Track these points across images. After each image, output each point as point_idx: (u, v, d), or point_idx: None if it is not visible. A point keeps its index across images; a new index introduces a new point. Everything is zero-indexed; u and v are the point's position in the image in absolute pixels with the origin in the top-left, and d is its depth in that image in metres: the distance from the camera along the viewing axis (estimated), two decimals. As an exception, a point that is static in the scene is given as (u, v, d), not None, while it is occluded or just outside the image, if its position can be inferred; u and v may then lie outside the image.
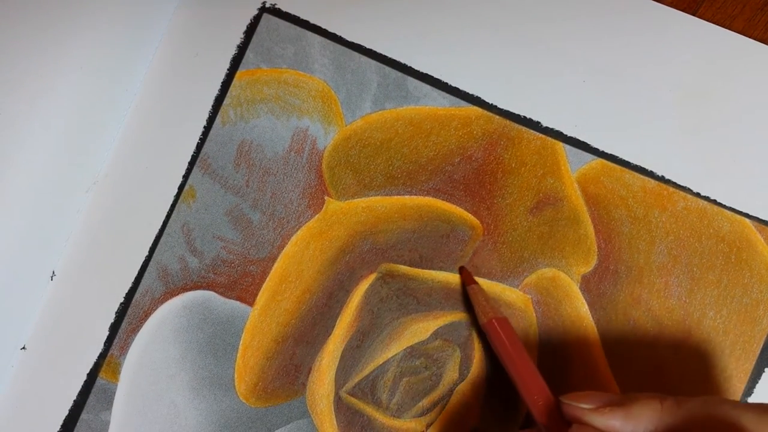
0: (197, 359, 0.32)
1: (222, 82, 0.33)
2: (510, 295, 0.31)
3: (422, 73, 0.33)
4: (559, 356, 0.31)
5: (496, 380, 0.31)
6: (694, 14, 0.32)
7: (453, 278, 0.32)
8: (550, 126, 0.32)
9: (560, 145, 0.32)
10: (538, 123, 0.32)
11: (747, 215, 0.31)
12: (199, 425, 0.31)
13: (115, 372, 0.32)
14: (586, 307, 0.31)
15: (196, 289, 0.32)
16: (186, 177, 0.33)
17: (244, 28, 0.34)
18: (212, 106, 0.33)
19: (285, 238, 0.32)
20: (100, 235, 0.33)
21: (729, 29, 0.32)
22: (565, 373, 0.31)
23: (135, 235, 0.33)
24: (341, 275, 0.32)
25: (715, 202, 0.31)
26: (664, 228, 0.31)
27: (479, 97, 0.32)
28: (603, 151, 0.32)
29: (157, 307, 0.32)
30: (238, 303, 0.32)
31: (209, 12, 0.34)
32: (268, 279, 0.32)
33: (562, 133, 0.32)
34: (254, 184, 0.33)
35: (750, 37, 0.32)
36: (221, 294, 0.32)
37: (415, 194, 0.32)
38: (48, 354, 0.32)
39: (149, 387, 0.32)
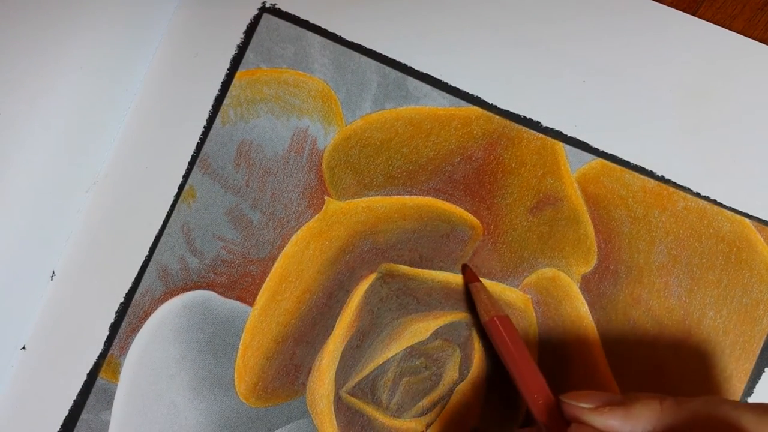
0: (197, 359, 0.32)
1: (222, 82, 0.33)
2: (510, 295, 0.31)
3: (422, 73, 0.33)
4: (559, 356, 0.31)
5: (496, 380, 0.31)
6: (694, 14, 0.32)
7: (453, 278, 0.32)
8: (550, 126, 0.32)
9: (560, 145, 0.32)
10: (538, 123, 0.32)
11: (747, 215, 0.31)
12: (199, 425, 0.31)
13: (115, 372, 0.32)
14: (586, 307, 0.31)
15: (196, 289, 0.32)
16: (186, 177, 0.33)
17: (244, 28, 0.34)
18: (212, 106, 0.33)
19: (285, 238, 0.32)
20: (100, 235, 0.33)
21: (729, 29, 0.32)
22: (565, 373, 0.31)
23: (135, 235, 0.33)
24: (341, 275, 0.32)
25: (715, 202, 0.31)
26: (664, 228, 0.31)
27: (479, 97, 0.32)
28: (603, 151, 0.32)
29: (157, 307, 0.32)
30: (238, 303, 0.32)
31: (209, 12, 0.34)
32: (268, 279, 0.32)
33: (562, 133, 0.32)
34: (254, 184, 0.33)
35: (750, 37, 0.32)
36: (221, 294, 0.32)
37: (415, 194, 0.32)
38: (48, 354, 0.32)
39: (149, 387, 0.32)
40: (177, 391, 0.32)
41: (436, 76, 0.33)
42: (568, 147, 0.32)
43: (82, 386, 0.32)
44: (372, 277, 0.32)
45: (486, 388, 0.31)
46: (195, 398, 0.32)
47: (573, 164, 0.32)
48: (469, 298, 0.31)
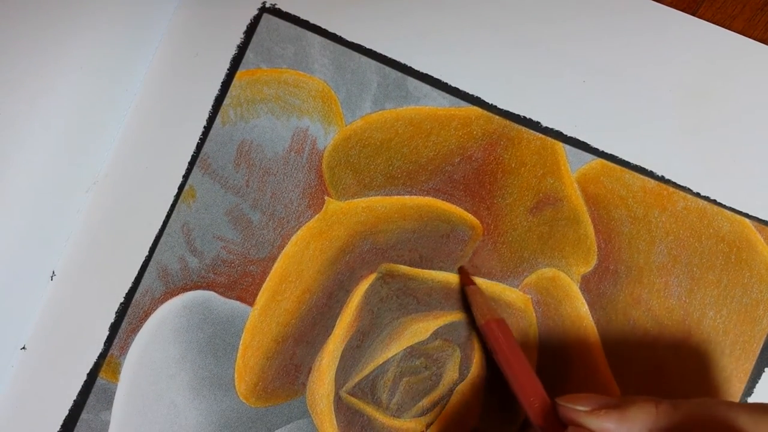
0: (197, 359, 0.32)
1: (222, 82, 0.33)
2: (510, 295, 0.31)
3: (422, 73, 0.33)
4: (559, 356, 0.31)
5: (496, 380, 0.31)
6: (694, 14, 0.32)
7: (453, 278, 0.32)
8: (550, 126, 0.32)
9: (560, 145, 0.32)
10: (538, 123, 0.32)
11: (747, 215, 0.31)
12: (199, 425, 0.31)
13: (115, 372, 0.32)
14: (586, 307, 0.31)
15: (196, 289, 0.32)
16: (186, 177, 0.33)
17: (244, 28, 0.34)
18: (212, 106, 0.33)
19: (285, 238, 0.32)
20: (100, 235, 0.33)
21: (729, 29, 0.32)
22: (565, 373, 0.31)
23: (135, 235, 0.33)
24: (341, 275, 0.32)
25: (715, 202, 0.31)
26: (664, 228, 0.31)
27: (479, 97, 0.32)
28: (603, 151, 0.32)
29: (157, 307, 0.32)
30: (238, 303, 0.32)
31: (209, 12, 0.34)
32: (268, 279, 0.32)
33: (562, 133, 0.32)
34: (254, 184, 0.33)
35: (750, 37, 0.32)
36: (221, 294, 0.32)
37: (415, 194, 0.32)
38: (48, 354, 0.32)
39: (149, 387, 0.32)
40: (177, 391, 0.32)
41: (436, 76, 0.33)
42: (568, 147, 0.32)
43: (82, 386, 0.32)
44: (372, 277, 0.32)
45: (486, 388, 0.31)
46: (195, 398, 0.32)
47: (573, 164, 0.32)
48: (466, 302, 0.31)
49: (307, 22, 0.33)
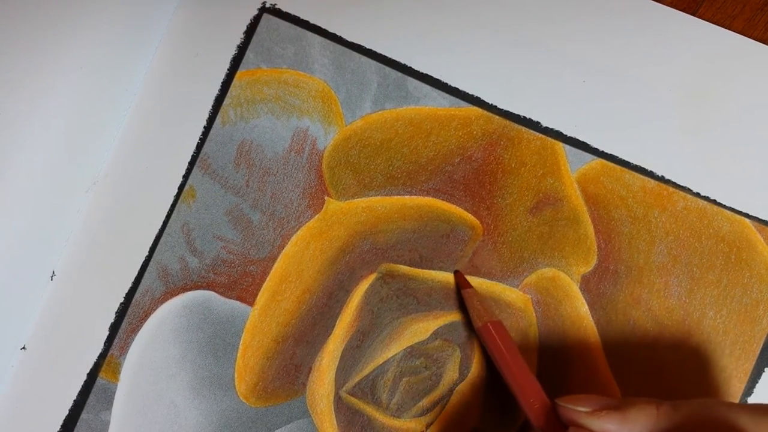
0: (197, 359, 0.32)
1: (222, 82, 0.33)
2: (510, 295, 0.31)
3: (422, 73, 0.33)
4: (559, 356, 0.31)
5: (496, 380, 0.31)
6: (694, 14, 0.32)
7: (453, 278, 0.32)
8: (550, 126, 0.32)
9: (560, 145, 0.32)
10: (538, 123, 0.32)
11: (747, 215, 0.31)
12: (199, 425, 0.31)
13: (115, 372, 0.32)
14: (586, 307, 0.31)
15: (196, 289, 0.32)
16: (186, 177, 0.33)
17: (244, 28, 0.34)
18: (212, 106, 0.33)
19: (285, 238, 0.32)
20: (100, 235, 0.33)
21: (729, 29, 0.32)
22: (565, 374, 0.31)
23: (135, 235, 0.33)
24: (341, 275, 0.32)
25: (715, 202, 0.31)
26: (664, 228, 0.31)
27: (479, 98, 0.32)
28: (603, 151, 0.32)
29: (157, 307, 0.32)
30: (238, 303, 0.32)
31: (209, 12, 0.34)
32: (268, 279, 0.32)
33: (561, 133, 0.32)
34: (254, 184, 0.33)
35: (750, 37, 0.32)
36: (221, 294, 0.32)
37: (415, 194, 0.32)
38: (48, 354, 0.32)
39: (149, 387, 0.32)
40: (177, 391, 0.32)
41: (436, 76, 0.33)
42: (568, 147, 0.32)
43: (82, 386, 0.32)
44: (372, 277, 0.32)
45: (486, 389, 0.31)
46: (195, 398, 0.32)
47: (573, 164, 0.32)
48: (463, 305, 0.31)
49: (307, 22, 0.33)
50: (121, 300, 0.32)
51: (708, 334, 0.31)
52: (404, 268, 0.32)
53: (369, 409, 0.31)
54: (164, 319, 0.32)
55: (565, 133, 0.32)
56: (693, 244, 0.31)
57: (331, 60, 0.33)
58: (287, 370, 0.32)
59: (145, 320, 0.32)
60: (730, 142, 0.31)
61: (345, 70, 0.33)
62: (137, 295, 0.32)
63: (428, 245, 0.32)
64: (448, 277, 0.32)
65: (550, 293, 0.31)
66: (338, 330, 0.32)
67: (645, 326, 0.31)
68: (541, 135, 0.32)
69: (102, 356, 0.32)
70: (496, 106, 0.32)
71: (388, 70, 0.33)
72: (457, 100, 0.32)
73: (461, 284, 0.31)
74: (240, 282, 0.32)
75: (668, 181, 0.31)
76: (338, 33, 0.33)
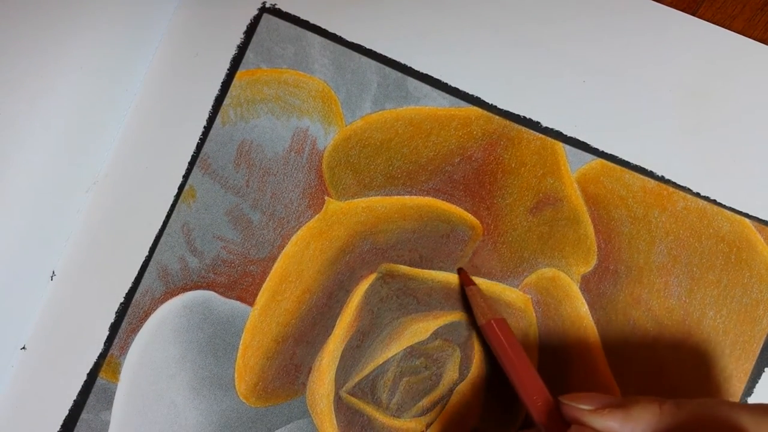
0: (197, 359, 0.32)
1: (222, 82, 0.33)
2: (510, 295, 0.31)
3: (422, 73, 0.33)
4: (559, 356, 0.31)
5: (496, 380, 0.31)
6: (694, 14, 0.32)
7: (453, 278, 0.32)
8: (550, 126, 0.32)
9: (560, 145, 0.32)
10: (538, 123, 0.32)
11: (747, 215, 0.31)
12: (199, 425, 0.31)
13: (115, 372, 0.32)
14: (586, 307, 0.31)
15: (196, 289, 0.32)
16: (186, 177, 0.33)
17: (244, 28, 0.34)
18: (212, 106, 0.33)
19: (285, 238, 0.32)
20: (100, 235, 0.33)
21: (729, 29, 0.32)
22: (565, 373, 0.31)
23: (135, 235, 0.33)
24: (341, 275, 0.32)
25: (715, 202, 0.31)
26: (664, 228, 0.31)
27: (479, 98, 0.32)
28: (603, 151, 0.32)
29: (157, 307, 0.32)
30: (238, 303, 0.32)
31: (209, 12, 0.34)
32: (268, 279, 0.32)
33: (561, 133, 0.32)
34: (254, 184, 0.33)
35: (750, 37, 0.32)
36: (221, 294, 0.32)
37: (415, 194, 0.32)
38: (48, 354, 0.32)
39: (149, 387, 0.32)
40: (177, 391, 0.32)
41: (436, 76, 0.33)
42: (568, 147, 0.32)
43: (82, 386, 0.32)
44: (372, 277, 0.32)
45: (486, 388, 0.31)
46: (195, 398, 0.32)
47: (573, 164, 0.32)
48: (466, 302, 0.31)
49: (307, 22, 0.33)
50: (121, 300, 0.32)
51: (708, 334, 0.31)
52: (404, 268, 0.32)
53: (369, 409, 0.31)
54: (164, 319, 0.32)
55: (565, 133, 0.32)
56: (693, 244, 0.31)
57: (331, 60, 0.33)
58: (287, 370, 0.32)
59: (145, 320, 0.32)
60: (730, 142, 0.31)
61: (345, 70, 0.33)
62: (137, 295, 0.32)
63: (428, 245, 0.32)
64: (448, 277, 0.32)
65: (550, 293, 0.31)
66: (338, 330, 0.32)
67: (645, 326, 0.31)
68: (541, 135, 0.32)
69: (102, 356, 0.32)
70: (496, 106, 0.32)
71: (388, 70, 0.33)
72: (457, 100, 0.32)
73: (465, 282, 0.31)
74: (240, 282, 0.32)
75: (668, 181, 0.31)
76: (338, 33, 0.33)
